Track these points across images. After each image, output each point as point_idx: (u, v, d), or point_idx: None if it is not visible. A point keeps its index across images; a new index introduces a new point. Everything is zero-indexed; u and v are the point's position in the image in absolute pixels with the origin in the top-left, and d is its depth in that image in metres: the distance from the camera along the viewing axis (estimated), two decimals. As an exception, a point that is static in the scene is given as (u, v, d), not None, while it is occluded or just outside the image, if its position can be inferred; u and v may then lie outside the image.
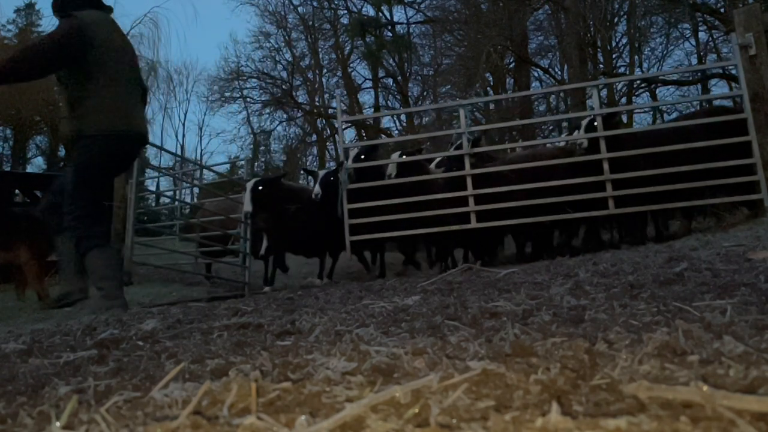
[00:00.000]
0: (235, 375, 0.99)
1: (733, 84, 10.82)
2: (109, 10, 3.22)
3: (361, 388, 0.86)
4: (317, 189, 4.64)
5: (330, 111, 20.18)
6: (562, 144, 5.31)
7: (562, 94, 14.19)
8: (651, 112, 15.20)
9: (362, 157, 4.85)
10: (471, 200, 4.51)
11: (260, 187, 4.67)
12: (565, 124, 5.49)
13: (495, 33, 13.38)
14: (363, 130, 18.65)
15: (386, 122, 20.75)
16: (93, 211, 2.96)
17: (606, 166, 4.32)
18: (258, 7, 21.88)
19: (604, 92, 13.32)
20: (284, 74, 22.22)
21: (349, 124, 19.19)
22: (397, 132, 18.29)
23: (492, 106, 16.28)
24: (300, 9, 21.37)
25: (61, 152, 20.57)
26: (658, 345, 0.94)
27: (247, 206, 4.60)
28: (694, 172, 4.11)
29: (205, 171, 12.32)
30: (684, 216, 4.83)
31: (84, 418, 0.80)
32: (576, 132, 5.04)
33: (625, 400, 0.72)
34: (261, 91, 22.36)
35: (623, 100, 13.70)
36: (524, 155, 5.02)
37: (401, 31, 20.79)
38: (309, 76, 21.89)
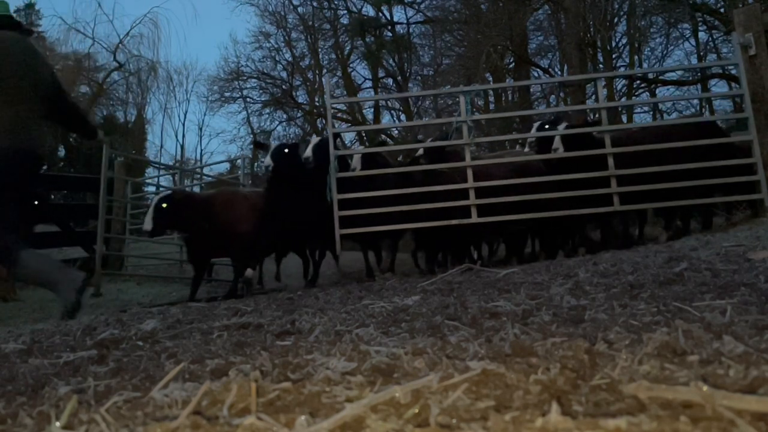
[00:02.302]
0: (235, 375, 0.99)
1: (733, 84, 10.82)
2: (27, 32, 3.43)
3: (361, 388, 0.86)
4: (268, 160, 4.19)
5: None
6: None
7: (562, 95, 14.18)
8: (650, 112, 15.22)
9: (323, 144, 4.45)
10: (472, 193, 4.32)
11: (164, 205, 4.11)
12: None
13: (495, 33, 13.39)
14: (364, 131, 18.65)
15: (386, 122, 20.75)
16: (2, 224, 3.03)
17: (611, 161, 4.21)
18: (258, 7, 21.90)
19: (604, 92, 13.29)
20: (284, 74, 22.25)
21: (348, 125, 19.17)
22: (396, 132, 18.26)
23: (492, 106, 16.28)
24: (300, 9, 21.38)
25: (61, 152, 20.59)
26: (658, 345, 0.94)
27: (147, 224, 4.05)
28: (689, 172, 4.07)
29: (204, 171, 12.32)
30: (673, 218, 4.76)
31: (84, 418, 0.80)
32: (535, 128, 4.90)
33: (625, 400, 0.72)
34: (261, 91, 22.37)
35: (623, 99, 13.69)
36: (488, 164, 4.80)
37: (401, 31, 20.80)
38: (309, 76, 21.92)
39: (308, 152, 4.29)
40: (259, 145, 4.87)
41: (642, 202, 4.28)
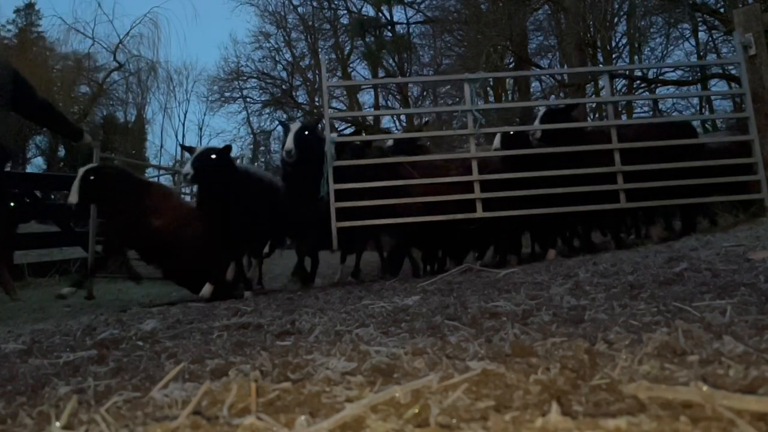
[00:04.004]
0: (235, 375, 0.99)
1: (733, 84, 10.82)
2: None
3: (361, 388, 0.86)
4: (187, 168, 3.63)
5: (330, 111, 20.09)
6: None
7: (562, 95, 14.17)
8: (650, 112, 15.23)
9: (306, 133, 3.85)
10: (477, 186, 4.00)
11: (92, 177, 3.74)
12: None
13: (495, 33, 13.38)
14: (364, 131, 18.69)
15: (386, 122, 20.76)
16: None
17: (617, 157, 4.02)
18: (258, 8, 21.90)
19: (604, 88, 13.29)
20: (284, 74, 22.27)
21: (347, 124, 19.13)
22: (396, 130, 18.26)
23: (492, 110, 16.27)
24: (300, 9, 21.40)
25: (61, 152, 20.62)
26: (658, 345, 0.94)
27: (73, 197, 3.68)
28: (688, 171, 4.04)
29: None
30: (663, 218, 4.63)
31: (84, 418, 0.80)
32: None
33: (625, 400, 0.72)
34: (261, 91, 22.38)
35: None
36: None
37: (401, 31, 20.82)
38: (309, 76, 21.93)
39: (290, 143, 3.67)
40: (185, 149, 4.18)
41: (639, 200, 4.16)
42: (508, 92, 17.05)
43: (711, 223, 4.82)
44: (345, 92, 20.40)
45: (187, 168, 3.57)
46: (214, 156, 3.66)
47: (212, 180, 3.65)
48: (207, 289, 3.74)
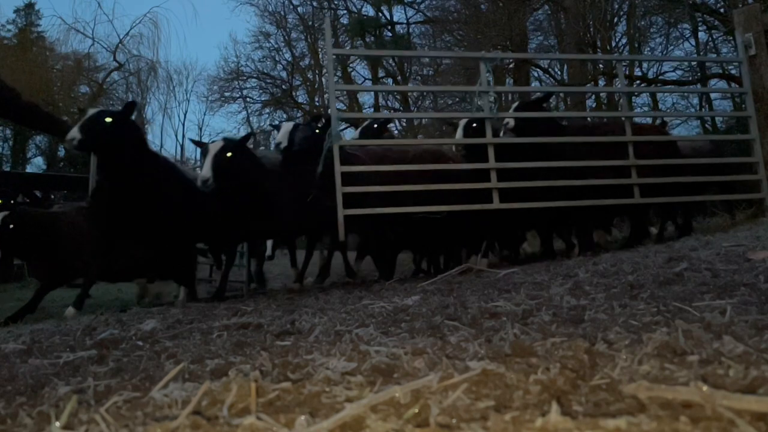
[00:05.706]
0: (235, 375, 0.99)
1: (733, 84, 10.84)
2: None
3: (361, 388, 0.86)
4: (74, 132, 2.88)
5: (329, 110, 20.05)
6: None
7: (561, 95, 14.16)
8: (651, 112, 15.23)
9: (228, 155, 3.15)
10: (493, 175, 3.69)
11: (11, 225, 3.24)
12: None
13: (495, 33, 13.40)
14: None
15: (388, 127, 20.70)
16: None
17: (631, 150, 3.90)
18: (258, 8, 21.93)
19: (604, 93, 13.30)
20: (284, 74, 22.31)
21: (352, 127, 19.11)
22: (397, 131, 18.21)
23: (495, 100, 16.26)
24: (300, 9, 21.44)
25: (61, 152, 20.61)
26: (658, 345, 0.94)
27: None
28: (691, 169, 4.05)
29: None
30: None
31: (84, 418, 0.80)
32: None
33: (625, 400, 0.72)
34: (261, 91, 22.42)
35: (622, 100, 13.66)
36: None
37: (401, 31, 20.83)
38: (309, 76, 21.95)
39: (207, 171, 3.00)
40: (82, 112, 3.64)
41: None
42: (508, 93, 17.05)
43: (731, 216, 4.79)
44: (345, 92, 20.40)
45: (74, 132, 2.80)
46: (109, 119, 2.88)
47: (107, 149, 2.91)
48: (182, 293, 3.64)
